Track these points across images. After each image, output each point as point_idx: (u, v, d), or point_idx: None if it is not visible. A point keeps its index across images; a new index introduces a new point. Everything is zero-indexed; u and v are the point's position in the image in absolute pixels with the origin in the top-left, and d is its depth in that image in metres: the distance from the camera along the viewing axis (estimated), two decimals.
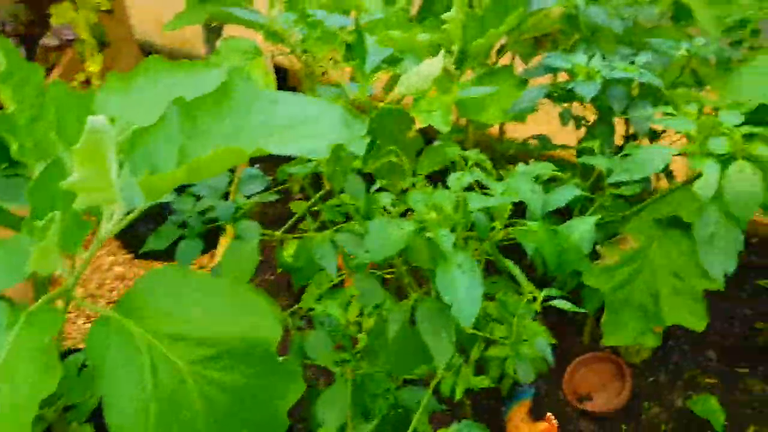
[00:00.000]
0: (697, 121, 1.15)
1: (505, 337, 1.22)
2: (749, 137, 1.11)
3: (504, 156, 2.65)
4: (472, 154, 1.42)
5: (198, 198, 1.09)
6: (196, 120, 0.96)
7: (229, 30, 2.21)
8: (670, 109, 1.25)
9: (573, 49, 1.77)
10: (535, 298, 1.15)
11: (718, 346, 2.09)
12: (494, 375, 1.91)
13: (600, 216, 1.29)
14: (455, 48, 1.83)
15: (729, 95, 1.53)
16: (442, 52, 1.04)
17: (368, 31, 1.72)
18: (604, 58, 1.61)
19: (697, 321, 1.53)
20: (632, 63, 1.59)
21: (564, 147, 1.84)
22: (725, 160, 1.08)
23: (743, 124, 1.17)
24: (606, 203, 1.34)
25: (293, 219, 1.27)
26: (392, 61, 1.17)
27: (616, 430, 1.92)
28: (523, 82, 1.78)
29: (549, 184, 1.44)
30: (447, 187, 1.20)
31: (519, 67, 2.07)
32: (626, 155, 1.36)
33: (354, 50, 1.00)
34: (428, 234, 1.04)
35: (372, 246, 1.00)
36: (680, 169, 1.88)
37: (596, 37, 1.78)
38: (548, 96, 1.68)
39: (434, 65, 1.01)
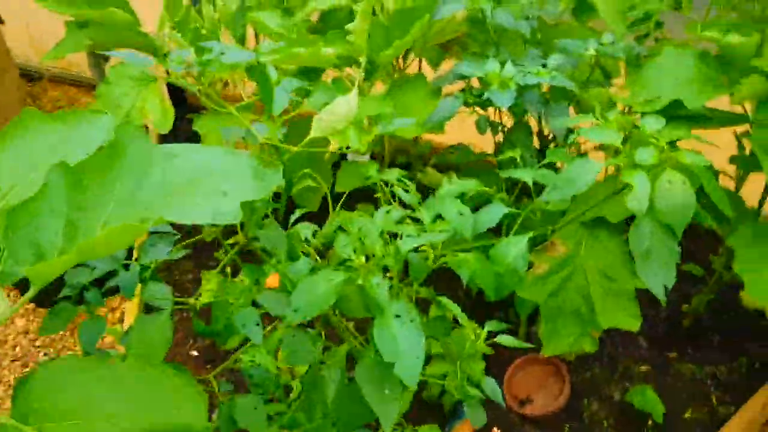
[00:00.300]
0: (622, 129, 1.11)
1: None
2: (673, 144, 1.09)
3: (421, 157, 2.61)
4: (393, 176, 1.34)
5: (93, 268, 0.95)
6: (84, 187, 0.84)
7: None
8: (589, 116, 1.22)
9: (482, 53, 1.72)
10: (478, 334, 1.09)
11: (648, 333, 2.12)
12: (434, 393, 1.86)
13: (531, 233, 1.24)
14: (362, 60, 1.75)
15: (640, 92, 1.53)
16: (356, 88, 0.95)
17: (272, 51, 1.62)
18: (514, 62, 1.57)
19: (631, 321, 1.53)
20: (544, 66, 1.56)
21: (483, 155, 1.80)
22: (654, 171, 1.05)
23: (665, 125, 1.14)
24: (535, 217, 1.30)
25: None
26: (299, 94, 1.07)
27: (560, 430, 1.91)
28: (437, 91, 1.72)
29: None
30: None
31: (427, 72, 2.02)
32: (550, 165, 1.33)
33: (259, 91, 0.90)
34: (359, 282, 0.95)
35: (299, 304, 0.91)
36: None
37: (504, 39, 1.75)
38: (465, 104, 1.63)
39: (349, 102, 0.93)
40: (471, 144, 2.81)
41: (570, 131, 1.74)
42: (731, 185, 1.79)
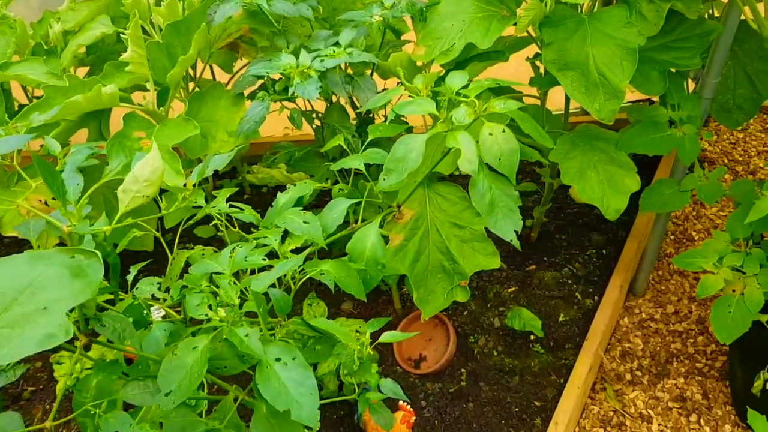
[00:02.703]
0: (435, 96, 1.12)
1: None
2: (480, 96, 1.11)
3: (242, 159, 2.51)
4: (222, 204, 1.27)
5: None
6: None
7: None
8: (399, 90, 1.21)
9: (272, 45, 1.66)
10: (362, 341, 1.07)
11: (505, 256, 2.23)
12: (333, 388, 1.85)
13: (379, 217, 1.23)
14: (149, 86, 1.63)
15: (434, 45, 1.55)
16: (155, 145, 0.86)
17: (46, 105, 1.45)
18: (308, 48, 1.53)
19: (492, 259, 1.58)
20: (337, 44, 1.53)
21: (306, 147, 1.76)
22: (472, 127, 1.08)
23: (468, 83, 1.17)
24: (377, 199, 1.29)
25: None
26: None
27: (459, 376, 1.98)
28: (240, 97, 1.64)
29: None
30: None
31: (221, 78, 1.93)
32: (374, 143, 1.32)
33: (47, 185, 0.78)
34: (225, 336, 0.89)
35: (170, 386, 0.84)
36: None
37: (290, 25, 1.70)
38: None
39: (152, 163, 0.84)
40: (287, 129, 2.76)
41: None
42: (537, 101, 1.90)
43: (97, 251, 0.78)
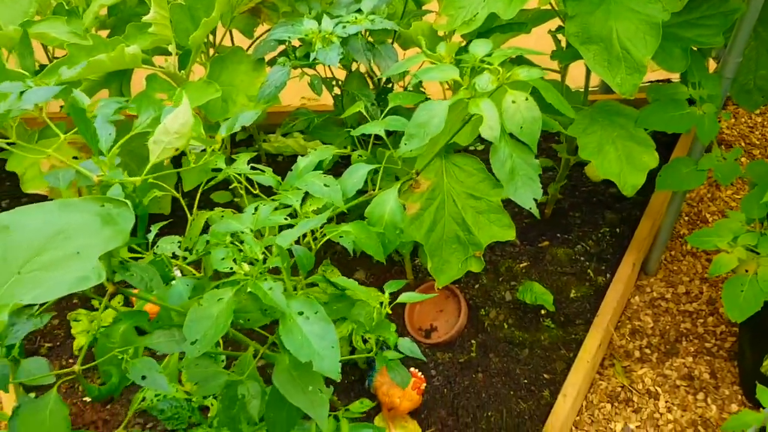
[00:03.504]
0: (451, 57, 1.12)
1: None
2: (503, 65, 1.12)
3: (259, 127, 2.52)
4: (243, 166, 1.28)
5: None
6: None
7: None
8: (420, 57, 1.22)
9: (294, 10, 1.66)
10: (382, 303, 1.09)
11: (518, 231, 2.23)
12: (345, 353, 1.87)
13: (398, 183, 1.24)
14: (172, 48, 1.64)
15: (456, 15, 1.55)
16: (186, 99, 0.87)
17: (70, 63, 1.46)
18: (330, 14, 1.54)
19: (507, 231, 1.59)
20: (359, 11, 1.53)
21: (325, 114, 1.76)
22: (495, 95, 1.08)
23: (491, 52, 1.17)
24: (396, 166, 1.30)
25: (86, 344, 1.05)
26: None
27: (469, 347, 2.00)
28: (261, 62, 1.65)
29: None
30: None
31: (242, 43, 1.93)
32: (394, 110, 1.32)
33: (79, 131, 0.79)
34: (249, 290, 0.91)
35: (195, 335, 0.86)
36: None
37: None
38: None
39: (183, 116, 0.85)
40: (304, 99, 2.77)
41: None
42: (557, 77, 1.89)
43: (127, 201, 0.79)
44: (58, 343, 2.02)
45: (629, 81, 1.43)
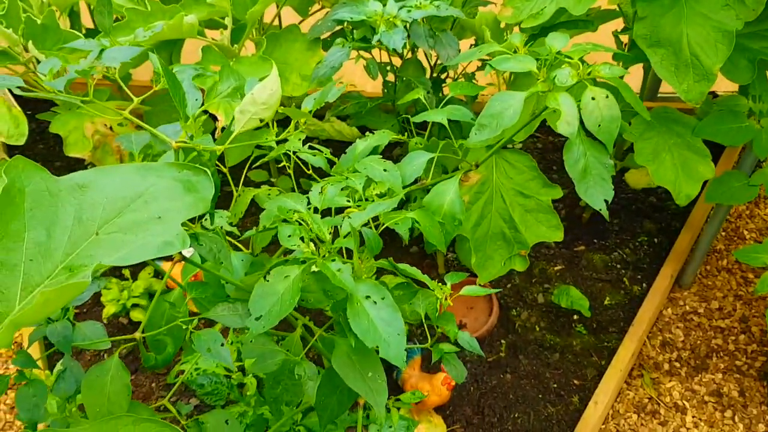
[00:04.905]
0: (535, 57, 1.09)
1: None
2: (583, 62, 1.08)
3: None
4: (297, 144, 1.25)
5: None
6: None
7: None
8: (492, 46, 1.18)
9: None
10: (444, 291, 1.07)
11: None
12: None
13: (459, 174, 1.22)
14: (228, 21, 1.61)
15: (523, 7, 1.52)
16: (275, 69, 0.85)
17: (127, 28, 1.44)
18: None
19: (555, 232, 1.56)
20: None
21: (377, 99, 1.73)
22: (574, 90, 1.05)
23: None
24: (455, 156, 1.27)
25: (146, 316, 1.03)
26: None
27: (498, 347, 1.97)
28: (316, 41, 1.62)
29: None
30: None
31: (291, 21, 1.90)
32: (453, 100, 1.29)
33: (171, 93, 0.77)
34: (314, 269, 0.89)
35: (260, 311, 0.83)
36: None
37: None
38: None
39: (271, 86, 0.83)
40: (350, 84, 2.74)
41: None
42: None
43: (206, 168, 0.77)
44: (85, 310, 2.01)
45: (696, 88, 1.40)
